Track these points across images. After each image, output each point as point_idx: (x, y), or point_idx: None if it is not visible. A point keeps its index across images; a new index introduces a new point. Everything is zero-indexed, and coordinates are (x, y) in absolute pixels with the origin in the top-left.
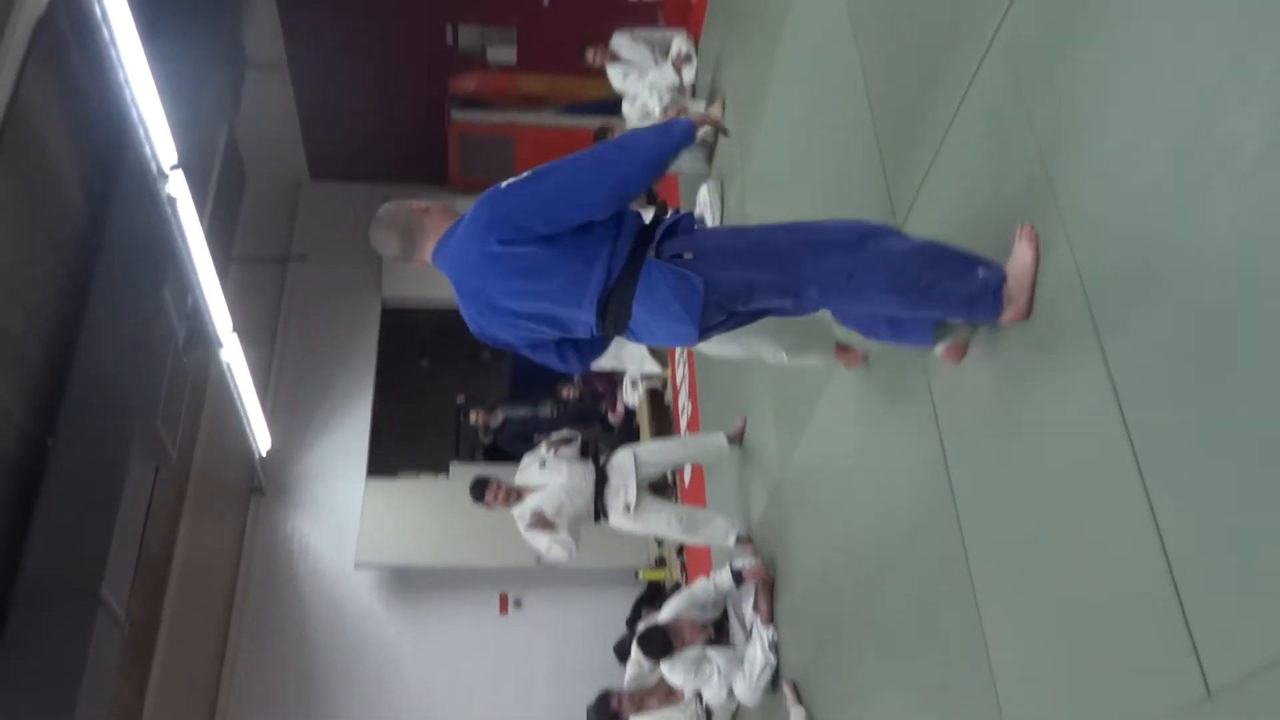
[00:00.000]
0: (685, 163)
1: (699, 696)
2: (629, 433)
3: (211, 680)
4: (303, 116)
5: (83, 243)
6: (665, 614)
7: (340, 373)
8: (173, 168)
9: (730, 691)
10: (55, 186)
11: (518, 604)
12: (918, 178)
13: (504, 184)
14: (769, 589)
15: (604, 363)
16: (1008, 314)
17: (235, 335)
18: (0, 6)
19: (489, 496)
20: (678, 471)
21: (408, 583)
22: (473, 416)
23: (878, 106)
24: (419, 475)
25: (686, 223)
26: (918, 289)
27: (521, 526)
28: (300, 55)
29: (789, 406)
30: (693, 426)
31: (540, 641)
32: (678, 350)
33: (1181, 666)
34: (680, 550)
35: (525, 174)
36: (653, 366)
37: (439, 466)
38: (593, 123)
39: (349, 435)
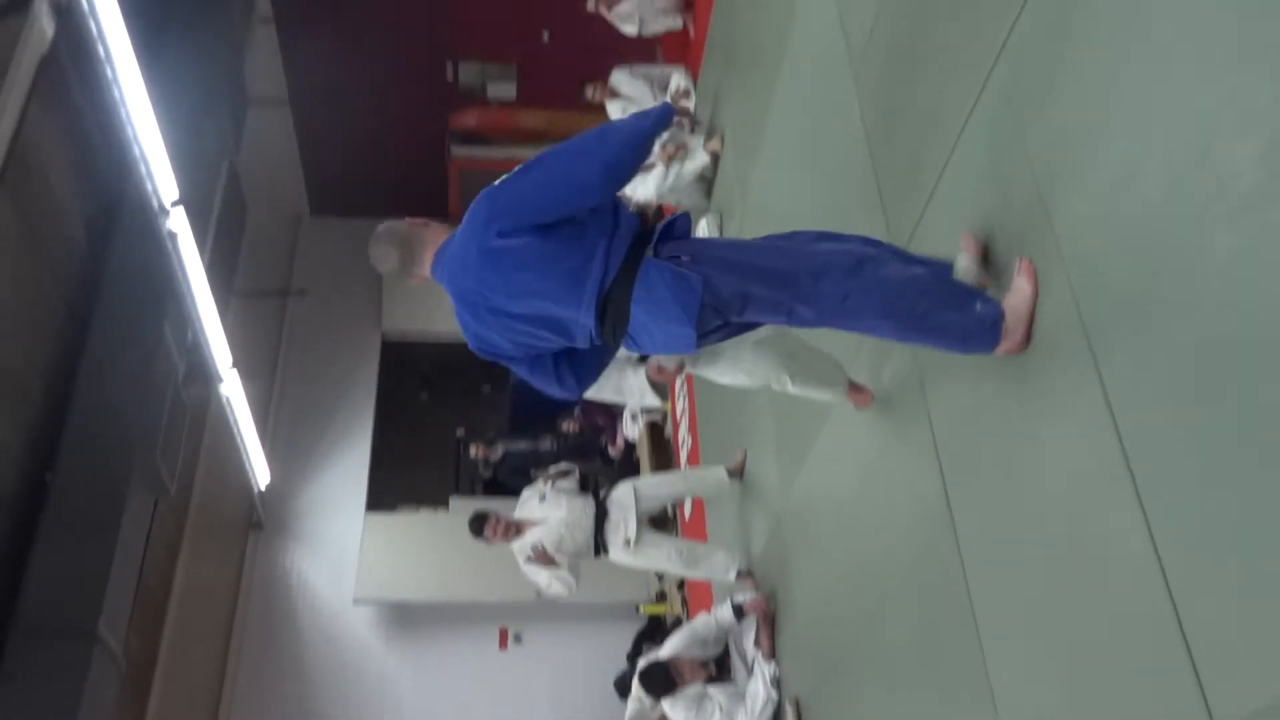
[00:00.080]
0: (685, 197)
1: None
2: (629, 466)
3: (209, 716)
4: (303, 152)
5: (84, 278)
6: (667, 650)
7: (340, 407)
8: (174, 203)
9: None
10: (57, 222)
11: (517, 639)
12: (916, 212)
13: (496, 182)
14: (770, 623)
15: (605, 395)
16: (1003, 347)
17: (235, 370)
18: (5, 44)
19: (488, 531)
20: (678, 505)
21: (407, 618)
22: (472, 450)
23: (875, 141)
24: (418, 509)
25: (683, 224)
26: (913, 316)
27: (521, 561)
28: (301, 91)
29: (789, 439)
30: (693, 460)
31: (540, 677)
32: (678, 383)
33: (1187, 703)
34: (681, 584)
35: (516, 169)
36: (653, 400)
37: (438, 500)
38: None
39: (348, 469)
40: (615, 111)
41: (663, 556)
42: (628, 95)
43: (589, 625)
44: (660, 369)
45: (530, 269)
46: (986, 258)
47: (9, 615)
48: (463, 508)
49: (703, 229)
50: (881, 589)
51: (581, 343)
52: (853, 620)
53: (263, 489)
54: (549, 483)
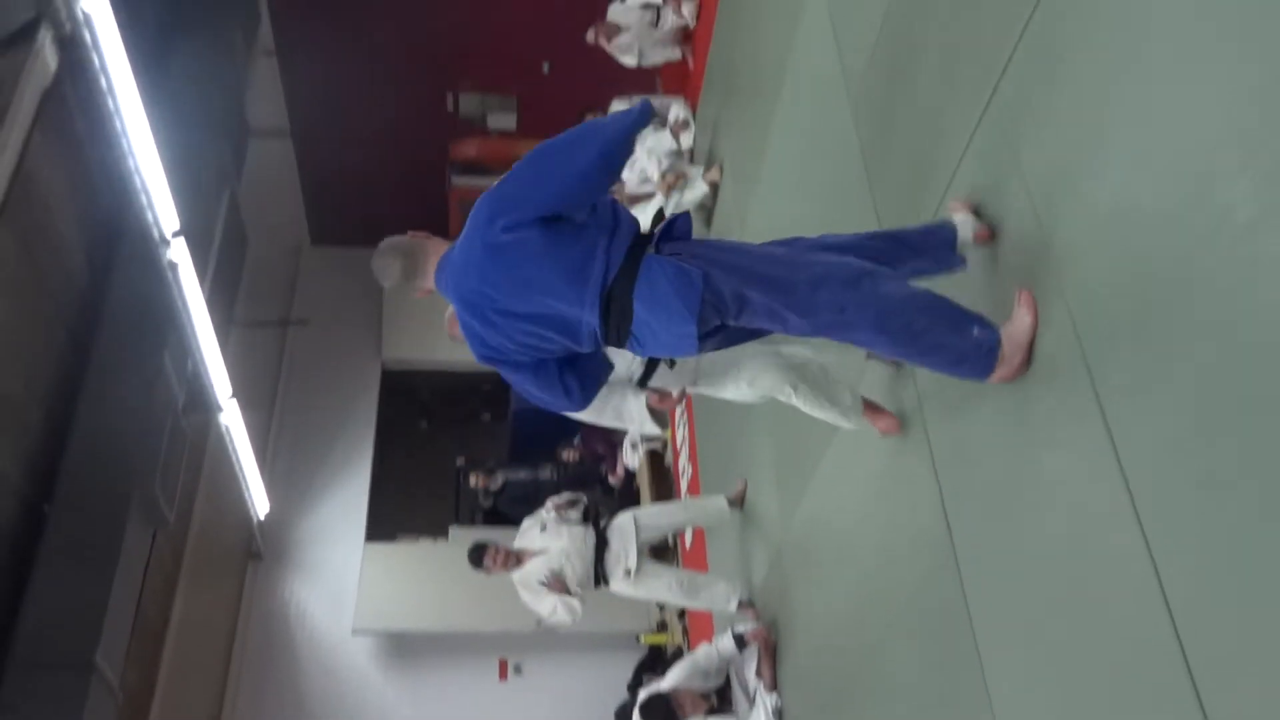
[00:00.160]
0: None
1: None
2: (629, 495)
3: None
4: (304, 182)
5: (84, 307)
6: (668, 682)
7: (339, 436)
8: (175, 234)
9: None
10: (58, 252)
11: (517, 669)
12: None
13: (494, 185)
14: (772, 653)
15: (605, 420)
16: (999, 374)
17: (234, 399)
18: (8, 76)
19: (488, 561)
20: (678, 534)
21: (406, 648)
22: (472, 479)
23: (874, 170)
24: (418, 539)
25: (683, 224)
26: (909, 334)
27: (521, 591)
28: (302, 122)
29: (790, 469)
30: (693, 489)
31: (540, 707)
32: (678, 412)
33: None
34: (682, 614)
35: (511, 170)
36: (652, 428)
37: (438, 530)
38: None
39: (348, 499)
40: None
41: (663, 587)
42: None
43: (589, 655)
44: (661, 397)
45: (534, 264)
46: (979, 214)
47: (6, 646)
48: (462, 537)
49: None
50: (883, 619)
51: (586, 344)
52: (855, 650)
53: (261, 519)
54: (554, 511)
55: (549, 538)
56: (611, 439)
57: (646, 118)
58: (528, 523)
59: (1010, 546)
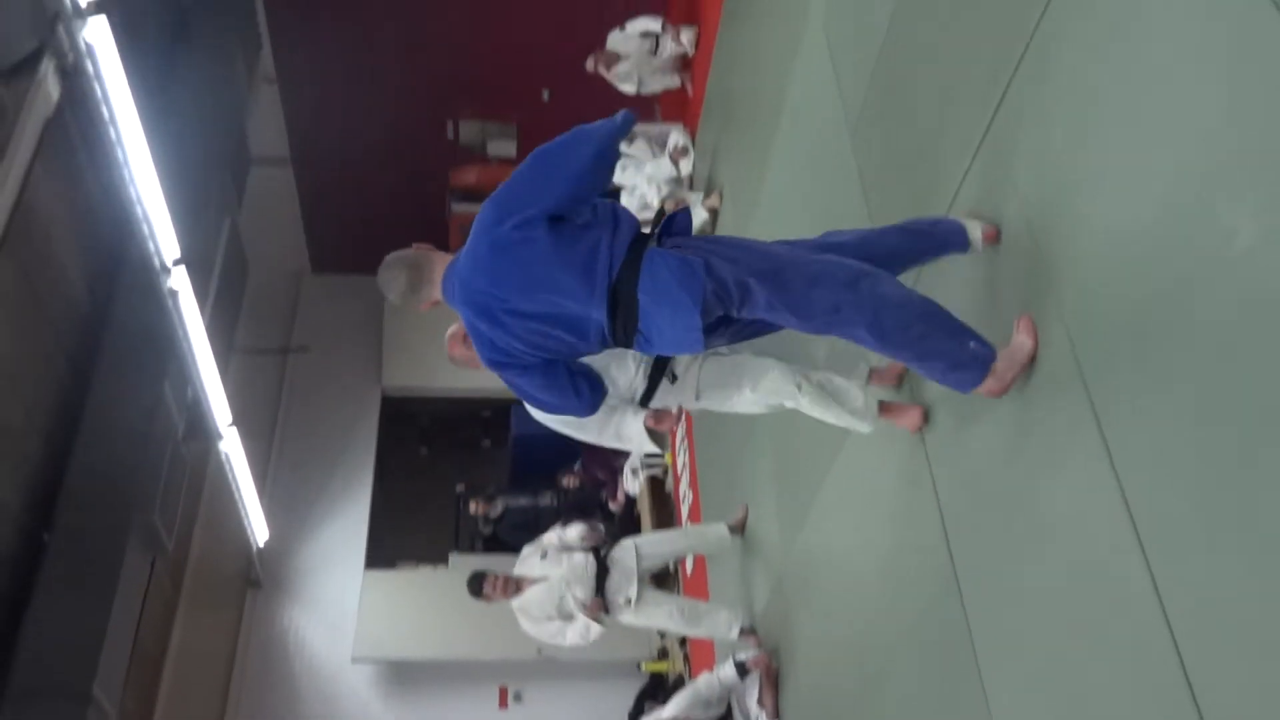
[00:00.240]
0: None
1: None
2: (630, 521)
3: None
4: (305, 209)
5: (85, 336)
6: (670, 711)
7: (339, 463)
8: (175, 262)
9: None
10: (59, 281)
11: (518, 697)
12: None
13: (497, 189)
14: (774, 680)
15: (606, 440)
16: (987, 385)
17: (234, 427)
18: (11, 106)
19: (487, 589)
20: (679, 561)
21: (406, 676)
22: (472, 506)
23: (872, 196)
24: (418, 566)
25: (683, 220)
26: (905, 336)
27: (521, 618)
28: (303, 150)
29: (791, 495)
30: (694, 515)
31: None
32: (679, 438)
33: None
34: (683, 641)
35: (513, 174)
36: (652, 447)
37: (438, 557)
38: None
39: (347, 526)
40: (615, 168)
41: (664, 615)
42: (627, 152)
43: (590, 683)
44: (658, 417)
45: (541, 262)
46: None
47: (3, 674)
48: (462, 564)
49: None
50: (886, 645)
51: (594, 342)
52: (857, 677)
53: (261, 546)
54: (580, 539)
55: (549, 565)
56: (612, 465)
57: (629, 124)
58: (528, 550)
59: (1013, 572)
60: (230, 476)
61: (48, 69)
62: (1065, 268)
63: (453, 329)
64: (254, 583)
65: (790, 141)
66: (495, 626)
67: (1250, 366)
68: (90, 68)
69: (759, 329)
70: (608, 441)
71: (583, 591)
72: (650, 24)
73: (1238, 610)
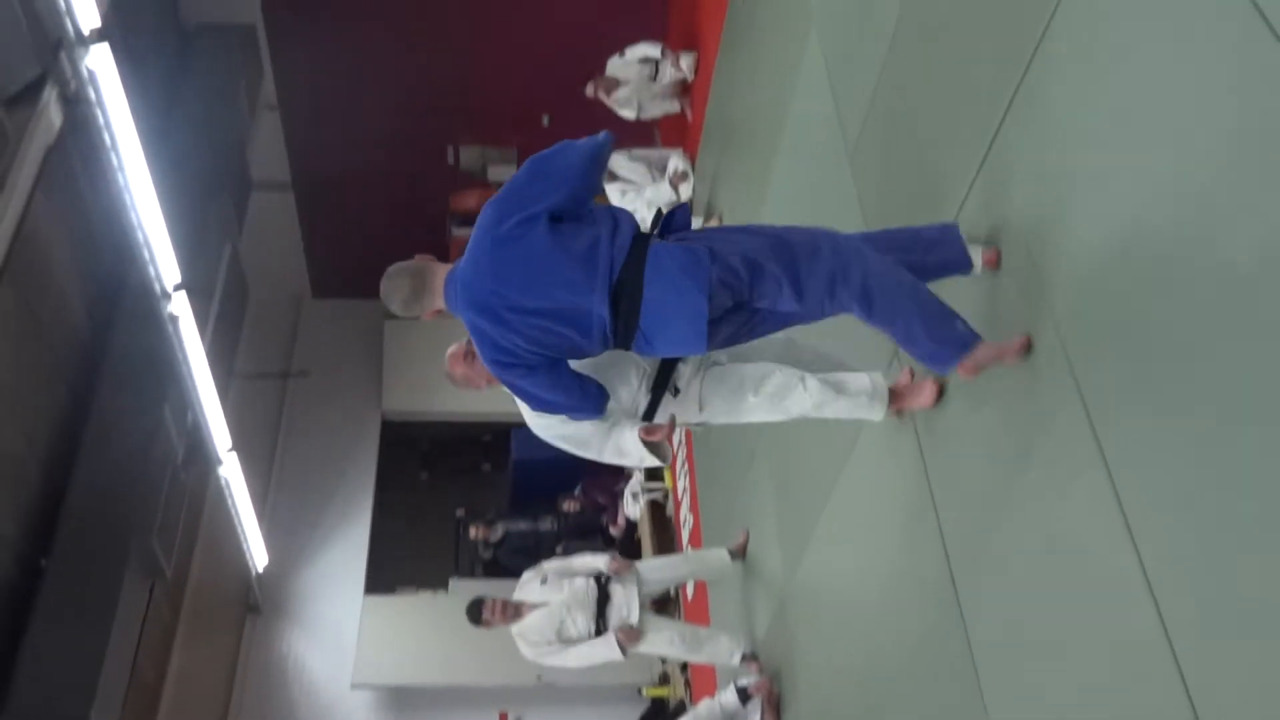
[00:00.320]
0: None
1: None
2: (630, 545)
3: None
4: (306, 234)
5: (85, 362)
6: None
7: (339, 487)
8: (176, 287)
9: None
10: (60, 307)
11: None
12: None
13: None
14: (775, 707)
15: (607, 457)
16: (965, 365)
17: (234, 452)
18: (13, 134)
19: (486, 614)
20: (680, 586)
21: (406, 702)
22: (472, 531)
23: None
24: (418, 591)
25: (682, 215)
26: (893, 308)
27: (520, 643)
28: (304, 175)
29: (792, 519)
30: (695, 539)
31: None
32: (678, 460)
33: None
34: (684, 667)
35: (511, 179)
36: (653, 460)
37: (438, 582)
38: None
39: (347, 551)
40: (614, 194)
41: (665, 641)
42: (626, 178)
43: (590, 709)
44: (649, 429)
45: (543, 255)
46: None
47: (1, 701)
48: (462, 589)
49: None
50: (888, 671)
51: (596, 339)
52: (859, 704)
53: (260, 571)
54: (612, 570)
55: (550, 591)
56: (613, 489)
57: (610, 142)
58: (528, 575)
59: (1015, 598)
60: (230, 501)
61: (50, 96)
62: (1066, 295)
63: (453, 348)
64: (253, 608)
65: (789, 166)
66: (495, 652)
67: (1251, 384)
68: (92, 95)
69: (756, 325)
70: (609, 457)
71: (584, 617)
72: (650, 50)
73: (1241, 646)
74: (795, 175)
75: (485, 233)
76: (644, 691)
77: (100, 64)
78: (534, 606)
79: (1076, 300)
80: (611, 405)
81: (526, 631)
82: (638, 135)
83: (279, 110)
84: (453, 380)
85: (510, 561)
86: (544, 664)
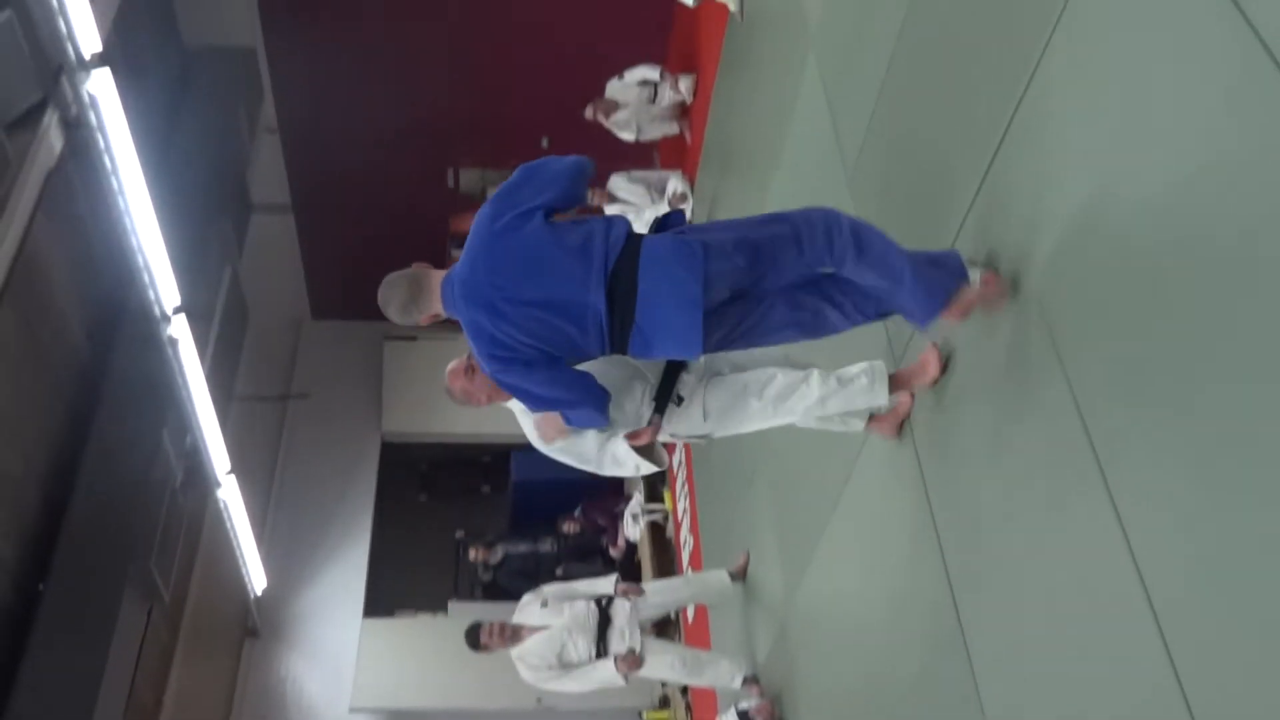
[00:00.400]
0: None
1: None
2: (630, 567)
3: None
4: (305, 257)
5: (85, 385)
6: None
7: (338, 509)
8: (175, 310)
9: None
10: (60, 330)
11: None
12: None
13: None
14: None
15: (605, 468)
16: (954, 309)
17: (233, 475)
18: (15, 157)
19: (485, 638)
20: (680, 609)
21: None
22: (472, 553)
23: None
24: (417, 614)
25: (677, 218)
26: (883, 252)
27: (520, 666)
28: (304, 198)
29: (793, 541)
30: (695, 561)
31: None
32: (678, 481)
33: None
34: (685, 690)
35: (504, 184)
36: (649, 467)
37: (437, 605)
38: None
39: (346, 573)
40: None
41: (666, 665)
42: (626, 199)
43: None
44: (634, 434)
45: (538, 246)
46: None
47: None
48: (462, 612)
49: None
50: (890, 695)
51: (593, 335)
52: None
53: (259, 594)
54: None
55: (550, 614)
56: (613, 510)
57: (591, 167)
58: (528, 598)
59: (1018, 621)
60: (228, 524)
61: (51, 121)
62: (1065, 309)
63: (453, 364)
64: (251, 631)
65: (788, 187)
66: (495, 675)
67: (1251, 399)
68: (93, 119)
69: (754, 326)
70: (607, 468)
71: (585, 641)
72: (649, 72)
73: (1239, 647)
74: (793, 197)
75: (481, 231)
76: (644, 715)
77: (101, 88)
78: (533, 630)
79: (1076, 319)
80: (615, 416)
81: (527, 655)
82: (637, 157)
83: (279, 133)
84: (452, 396)
85: (510, 583)
86: (544, 688)
